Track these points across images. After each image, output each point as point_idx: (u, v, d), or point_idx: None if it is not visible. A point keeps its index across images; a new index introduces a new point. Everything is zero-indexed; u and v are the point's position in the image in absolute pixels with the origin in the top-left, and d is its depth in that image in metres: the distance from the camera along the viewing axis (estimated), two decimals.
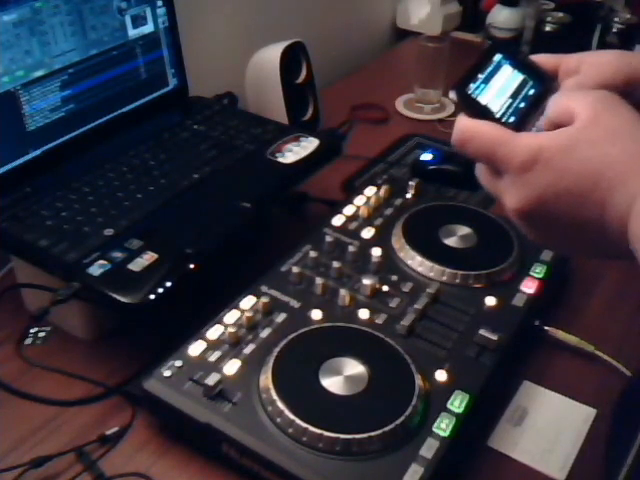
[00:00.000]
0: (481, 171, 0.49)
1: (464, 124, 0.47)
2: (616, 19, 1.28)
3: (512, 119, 0.47)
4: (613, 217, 0.41)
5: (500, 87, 0.48)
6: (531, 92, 0.48)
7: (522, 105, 0.47)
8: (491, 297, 0.75)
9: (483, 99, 0.48)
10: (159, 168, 0.84)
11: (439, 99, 1.31)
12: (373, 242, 0.81)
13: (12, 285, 0.79)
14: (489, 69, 0.49)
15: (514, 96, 0.48)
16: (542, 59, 0.50)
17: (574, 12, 1.30)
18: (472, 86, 0.48)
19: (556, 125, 0.44)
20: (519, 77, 0.49)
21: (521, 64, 0.49)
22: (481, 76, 0.49)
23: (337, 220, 0.85)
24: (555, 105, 0.45)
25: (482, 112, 0.47)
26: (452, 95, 0.48)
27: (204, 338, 0.68)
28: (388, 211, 0.87)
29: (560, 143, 0.43)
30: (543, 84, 0.48)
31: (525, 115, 0.47)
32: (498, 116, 0.47)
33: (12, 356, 0.70)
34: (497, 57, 0.50)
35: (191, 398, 0.62)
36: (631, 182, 0.40)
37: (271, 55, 1.07)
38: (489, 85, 0.48)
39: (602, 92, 0.45)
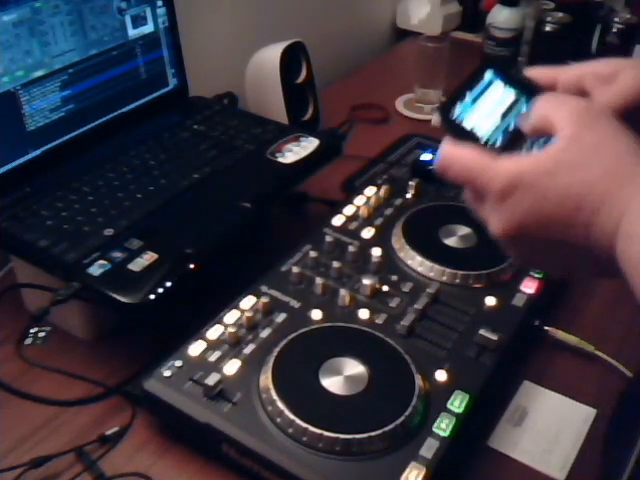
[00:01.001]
0: (467, 195, 0.48)
1: (445, 150, 0.46)
2: (616, 19, 1.28)
3: (499, 141, 0.45)
4: (599, 238, 0.40)
5: (490, 107, 0.47)
6: (523, 110, 0.46)
7: (512, 125, 0.46)
8: (491, 297, 0.75)
9: (468, 122, 0.46)
10: (159, 168, 0.84)
11: (439, 99, 1.30)
12: (373, 242, 0.81)
13: (12, 285, 0.79)
14: (479, 88, 0.47)
15: (504, 115, 0.46)
16: (536, 74, 0.49)
17: (574, 12, 1.30)
18: (457, 109, 0.47)
19: (537, 131, 0.44)
20: (511, 95, 0.47)
21: (514, 80, 0.47)
22: (469, 96, 0.47)
23: (337, 220, 0.85)
24: (536, 113, 0.44)
25: (466, 136, 0.46)
26: (435, 119, 0.47)
27: (204, 338, 0.68)
28: (388, 211, 0.87)
29: (539, 169, 0.42)
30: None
31: (514, 136, 0.45)
32: (484, 140, 0.45)
33: (12, 356, 0.70)
34: (488, 74, 0.48)
35: (191, 398, 0.62)
36: (614, 201, 0.40)
37: (271, 55, 1.07)
38: (477, 105, 0.47)
39: (583, 104, 0.44)
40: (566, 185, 0.41)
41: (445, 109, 0.47)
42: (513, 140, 0.45)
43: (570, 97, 0.45)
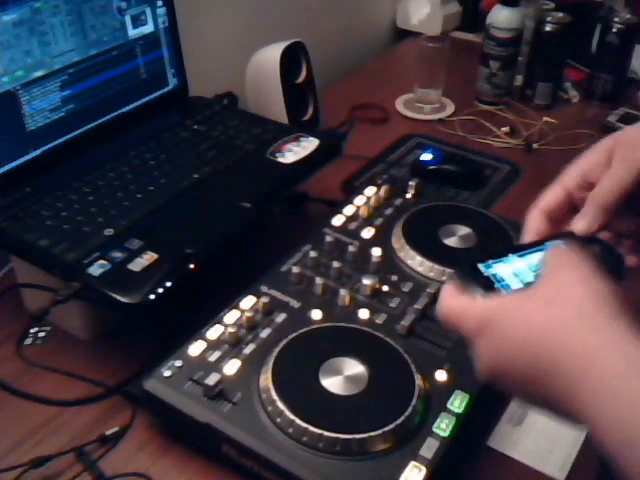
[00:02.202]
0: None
1: (442, 298, 0.48)
2: (616, 19, 1.28)
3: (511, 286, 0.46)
4: (559, 389, 0.40)
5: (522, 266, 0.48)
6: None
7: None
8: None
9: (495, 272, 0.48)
10: (159, 168, 0.84)
11: (439, 99, 1.31)
12: (373, 242, 0.81)
13: (12, 285, 0.79)
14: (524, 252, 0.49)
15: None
16: (551, 200, 0.51)
17: (574, 12, 1.30)
18: (492, 263, 0.48)
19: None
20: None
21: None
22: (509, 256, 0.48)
23: (337, 220, 0.85)
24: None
25: (484, 282, 0.47)
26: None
27: (204, 338, 0.68)
28: (388, 211, 0.87)
29: (502, 309, 0.44)
30: None
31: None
32: (497, 285, 0.47)
33: (12, 356, 0.70)
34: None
35: (191, 398, 0.62)
36: (576, 352, 0.40)
37: (271, 55, 1.07)
38: (512, 262, 0.48)
39: (557, 250, 0.46)
40: (525, 327, 0.42)
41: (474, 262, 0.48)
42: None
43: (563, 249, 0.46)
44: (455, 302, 0.47)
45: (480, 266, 0.48)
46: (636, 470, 0.36)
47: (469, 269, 0.48)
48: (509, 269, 0.47)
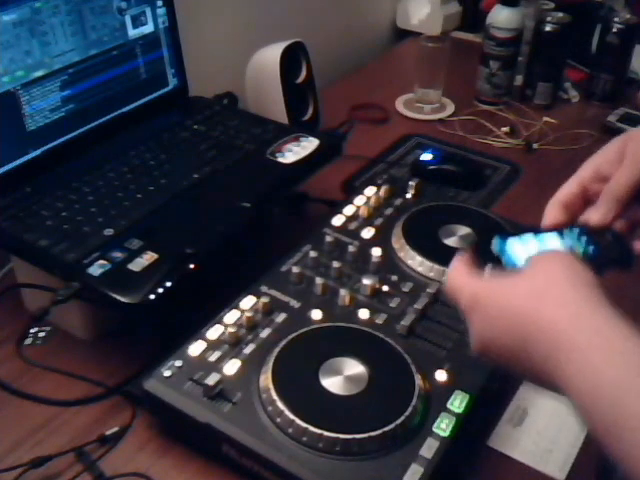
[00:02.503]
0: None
1: (449, 272, 0.53)
2: (616, 19, 1.28)
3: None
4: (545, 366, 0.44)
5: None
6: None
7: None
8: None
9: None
10: (159, 168, 0.84)
11: (439, 99, 1.31)
12: (373, 242, 0.81)
13: (12, 285, 0.79)
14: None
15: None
16: (567, 194, 0.55)
17: (574, 12, 1.30)
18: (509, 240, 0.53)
19: None
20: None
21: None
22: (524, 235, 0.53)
23: (337, 220, 0.85)
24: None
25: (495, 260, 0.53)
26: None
27: (204, 338, 0.68)
28: (388, 211, 0.87)
29: (488, 291, 0.48)
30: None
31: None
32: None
33: (12, 356, 0.70)
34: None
35: (191, 398, 0.62)
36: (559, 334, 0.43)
37: (271, 55, 1.07)
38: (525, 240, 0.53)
39: (558, 255, 0.49)
40: (508, 309, 0.46)
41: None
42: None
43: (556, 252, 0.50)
44: (458, 277, 0.51)
45: (496, 239, 0.53)
46: (615, 445, 0.40)
47: (483, 243, 0.53)
48: (523, 246, 0.52)
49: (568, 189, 0.55)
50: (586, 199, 0.55)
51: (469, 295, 0.49)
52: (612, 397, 0.40)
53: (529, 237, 0.52)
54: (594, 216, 0.53)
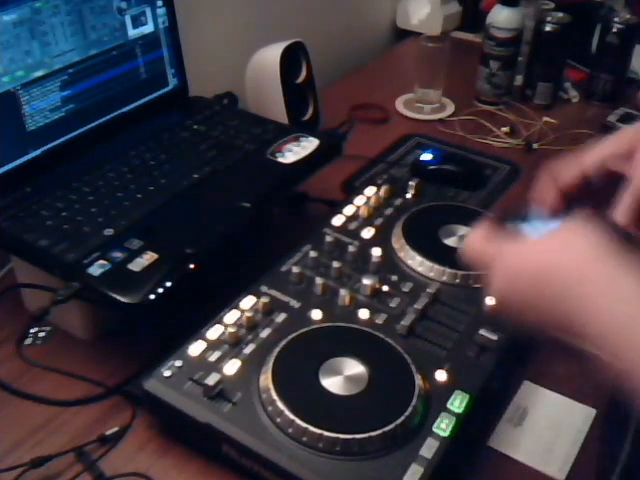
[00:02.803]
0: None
1: (469, 238, 0.54)
2: (616, 19, 1.28)
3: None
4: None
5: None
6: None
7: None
8: (491, 297, 0.75)
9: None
10: (159, 168, 0.84)
11: (439, 99, 1.31)
12: (373, 242, 0.81)
13: (12, 285, 0.79)
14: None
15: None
16: (565, 175, 0.56)
17: (574, 12, 1.30)
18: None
19: None
20: None
21: None
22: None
23: (337, 220, 0.85)
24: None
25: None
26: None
27: (204, 338, 0.68)
28: (388, 211, 0.87)
29: (516, 247, 0.50)
30: None
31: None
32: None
33: (12, 356, 0.70)
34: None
35: (191, 398, 0.62)
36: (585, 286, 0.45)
37: (271, 55, 1.07)
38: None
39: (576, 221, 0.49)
40: (531, 257, 0.49)
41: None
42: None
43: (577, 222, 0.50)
44: (479, 238, 0.53)
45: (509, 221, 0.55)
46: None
47: (498, 219, 0.55)
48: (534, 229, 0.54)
49: (570, 176, 0.55)
50: (584, 189, 0.55)
51: (492, 252, 0.51)
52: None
53: (537, 223, 0.54)
54: (620, 216, 0.53)
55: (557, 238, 0.49)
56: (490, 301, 0.50)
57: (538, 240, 0.50)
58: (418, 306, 0.72)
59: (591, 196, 0.55)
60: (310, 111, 1.13)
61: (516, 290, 0.49)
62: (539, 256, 0.48)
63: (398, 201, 0.89)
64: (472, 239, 0.54)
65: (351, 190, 0.97)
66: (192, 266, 0.70)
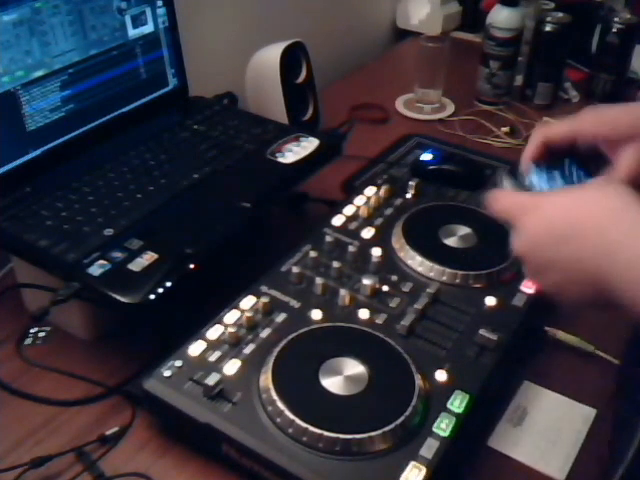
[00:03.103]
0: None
1: (494, 194, 0.57)
2: (616, 19, 1.28)
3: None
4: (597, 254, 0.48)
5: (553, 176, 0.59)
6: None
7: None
8: (491, 297, 0.75)
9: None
10: (159, 168, 0.84)
11: (439, 99, 1.31)
12: (373, 242, 0.81)
13: (12, 285, 0.79)
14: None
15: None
16: (555, 135, 0.59)
17: (574, 12, 1.30)
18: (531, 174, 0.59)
19: None
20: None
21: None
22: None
23: (337, 220, 0.85)
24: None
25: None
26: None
27: (204, 338, 0.68)
28: (388, 211, 0.87)
29: (544, 197, 0.54)
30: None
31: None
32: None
33: (12, 356, 0.70)
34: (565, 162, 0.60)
35: (191, 398, 0.62)
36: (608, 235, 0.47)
37: (271, 55, 1.07)
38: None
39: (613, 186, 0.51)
40: (563, 212, 0.51)
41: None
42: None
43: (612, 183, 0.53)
44: (506, 193, 0.57)
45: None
46: None
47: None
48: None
49: (559, 131, 0.58)
50: (570, 148, 0.58)
51: (522, 203, 0.53)
52: None
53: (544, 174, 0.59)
54: None
55: (589, 190, 0.50)
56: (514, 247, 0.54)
57: (570, 192, 0.52)
58: (418, 306, 0.72)
59: (577, 156, 0.58)
60: (310, 111, 1.13)
61: (550, 238, 0.50)
62: (574, 203, 0.50)
63: (398, 201, 0.89)
64: (500, 191, 0.56)
65: (351, 190, 0.97)
66: (192, 266, 0.70)
